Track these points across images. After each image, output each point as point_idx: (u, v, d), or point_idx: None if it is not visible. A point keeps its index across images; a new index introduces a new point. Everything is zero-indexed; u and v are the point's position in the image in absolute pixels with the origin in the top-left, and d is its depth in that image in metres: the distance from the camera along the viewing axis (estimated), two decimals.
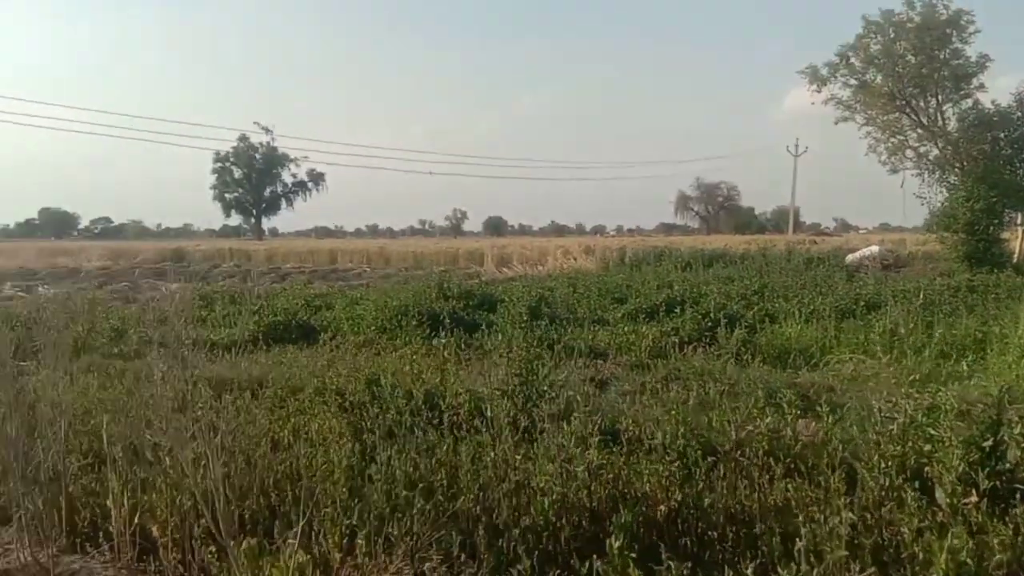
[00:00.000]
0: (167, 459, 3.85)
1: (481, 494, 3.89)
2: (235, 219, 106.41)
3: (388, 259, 41.22)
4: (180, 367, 3.93)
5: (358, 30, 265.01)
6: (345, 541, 3.39)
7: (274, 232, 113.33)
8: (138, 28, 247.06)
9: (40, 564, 4.06)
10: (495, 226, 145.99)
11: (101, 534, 4.12)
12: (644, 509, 3.89)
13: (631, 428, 5.13)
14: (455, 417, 5.33)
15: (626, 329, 10.69)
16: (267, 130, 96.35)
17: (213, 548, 3.47)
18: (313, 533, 3.40)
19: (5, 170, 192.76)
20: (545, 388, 5.71)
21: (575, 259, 33.89)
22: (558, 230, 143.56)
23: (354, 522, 3.45)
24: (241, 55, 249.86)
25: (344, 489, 3.63)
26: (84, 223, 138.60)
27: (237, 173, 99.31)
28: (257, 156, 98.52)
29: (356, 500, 3.72)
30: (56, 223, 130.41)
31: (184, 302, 4.39)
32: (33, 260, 37.51)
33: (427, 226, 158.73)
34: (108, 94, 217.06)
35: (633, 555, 3.16)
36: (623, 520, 3.56)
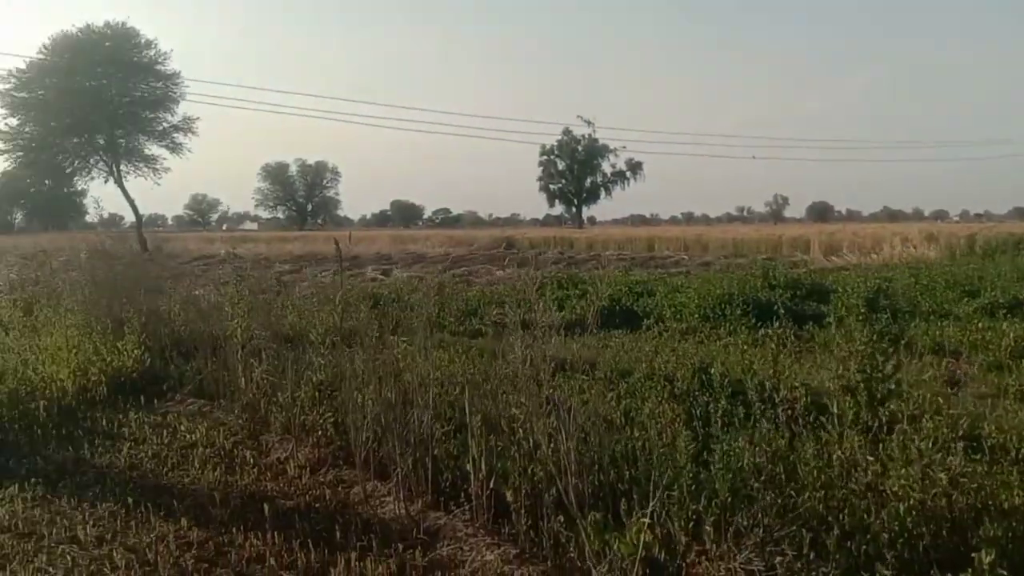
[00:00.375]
0: (520, 431, 4.16)
1: (825, 492, 3.72)
2: (556, 208, 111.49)
3: (706, 246, 40.55)
4: (534, 347, 4.24)
5: (666, 17, 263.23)
6: (691, 526, 3.44)
7: (592, 220, 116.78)
8: (479, 35, 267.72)
9: (411, 517, 4.61)
10: (820, 212, 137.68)
11: (461, 495, 4.56)
12: (1013, 524, 3.49)
13: (994, 435, 4.62)
14: (790, 411, 5.14)
15: (981, 325, 9.55)
16: (588, 123, 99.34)
17: (562, 518, 3.71)
18: (654, 514, 3.49)
19: (366, 167, 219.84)
20: (892, 386, 5.29)
21: (915, 247, 30.81)
22: (891, 215, 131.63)
23: (699, 507, 3.48)
24: (565, 51, 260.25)
25: (689, 474, 3.67)
26: (427, 214, 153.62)
27: (560, 165, 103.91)
28: (579, 148, 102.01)
29: (694, 486, 3.74)
30: (404, 214, 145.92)
31: (529, 286, 4.70)
32: (387, 246, 42.44)
33: (745, 212, 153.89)
34: (449, 96, 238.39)
35: (1003, 571, 2.86)
36: (993, 533, 3.23)
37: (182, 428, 6.53)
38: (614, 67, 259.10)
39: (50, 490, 5.16)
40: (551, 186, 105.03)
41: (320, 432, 5.83)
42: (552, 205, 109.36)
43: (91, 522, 4.58)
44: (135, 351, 8.06)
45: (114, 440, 6.29)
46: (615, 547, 3.16)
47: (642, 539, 3.01)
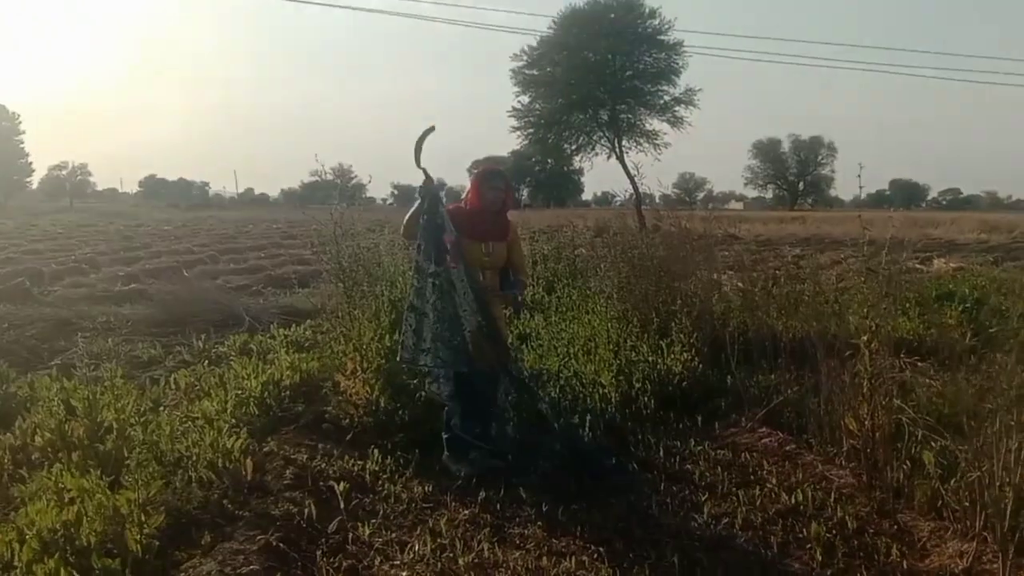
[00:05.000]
0: None
1: None
2: None
3: None
4: None
5: None
6: None
7: None
8: None
9: None
10: None
11: None
12: None
13: None
14: None
15: None
16: None
17: None
18: None
19: (862, 141, 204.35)
20: None
21: None
22: None
23: None
24: None
25: None
26: (932, 195, 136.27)
27: None
28: None
29: None
30: (905, 194, 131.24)
31: None
32: (903, 230, 37.20)
33: None
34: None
35: None
36: None
37: (772, 481, 4.54)
38: None
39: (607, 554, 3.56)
40: None
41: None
42: None
43: None
44: (683, 354, 6.39)
45: (679, 484, 4.58)
46: None
47: None
